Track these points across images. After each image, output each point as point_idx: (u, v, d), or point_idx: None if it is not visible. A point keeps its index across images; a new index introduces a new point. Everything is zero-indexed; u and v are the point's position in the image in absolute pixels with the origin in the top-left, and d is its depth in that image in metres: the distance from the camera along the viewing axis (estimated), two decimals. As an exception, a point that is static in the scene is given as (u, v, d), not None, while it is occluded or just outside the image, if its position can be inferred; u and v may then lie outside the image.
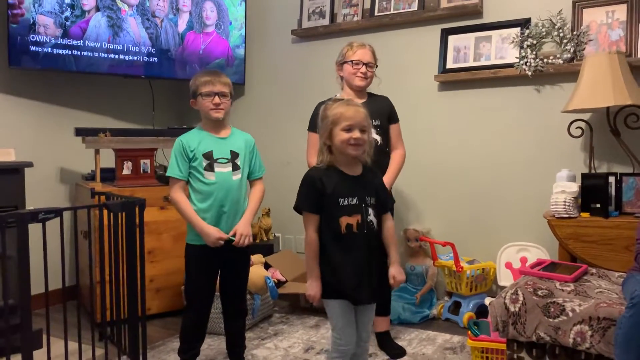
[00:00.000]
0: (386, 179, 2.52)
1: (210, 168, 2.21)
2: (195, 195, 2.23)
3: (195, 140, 2.23)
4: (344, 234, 1.82)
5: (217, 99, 2.20)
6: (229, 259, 2.27)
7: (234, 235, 2.21)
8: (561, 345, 1.97)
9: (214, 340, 2.74)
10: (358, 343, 1.91)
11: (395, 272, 1.90)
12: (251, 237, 2.26)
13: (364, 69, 2.52)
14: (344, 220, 1.81)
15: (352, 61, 2.53)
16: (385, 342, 2.59)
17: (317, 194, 1.83)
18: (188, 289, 2.30)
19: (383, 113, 2.58)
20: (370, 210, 1.86)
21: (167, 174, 2.26)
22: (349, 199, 1.83)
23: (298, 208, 1.88)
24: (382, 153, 2.54)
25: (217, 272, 2.30)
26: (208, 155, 2.22)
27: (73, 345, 2.21)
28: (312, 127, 2.59)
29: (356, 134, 1.80)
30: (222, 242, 2.18)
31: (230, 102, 2.28)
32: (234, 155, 2.26)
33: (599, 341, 1.86)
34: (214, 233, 2.16)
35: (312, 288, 1.85)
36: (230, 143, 2.28)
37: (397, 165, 2.61)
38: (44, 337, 2.12)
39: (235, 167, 2.26)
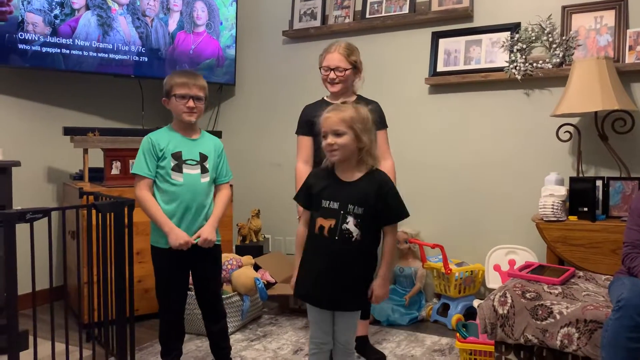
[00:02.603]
0: None
1: (178, 169, 2.16)
2: (161, 196, 2.17)
3: (165, 139, 2.19)
4: (315, 234, 1.84)
5: (191, 103, 2.16)
6: (198, 263, 2.22)
7: (198, 238, 2.17)
8: (548, 348, 1.99)
9: (202, 342, 2.73)
10: (335, 343, 1.92)
11: (376, 286, 1.83)
12: (214, 242, 2.21)
13: (332, 74, 2.46)
14: (319, 222, 1.83)
15: (321, 68, 2.51)
16: (364, 347, 2.54)
17: (306, 190, 1.91)
18: (159, 291, 2.24)
19: None
20: (350, 219, 1.79)
21: (132, 171, 2.19)
22: (330, 202, 1.82)
23: (294, 198, 1.98)
24: None
25: (188, 272, 2.26)
26: (177, 156, 2.17)
27: (60, 347, 2.19)
28: (299, 130, 2.58)
29: (328, 139, 1.80)
30: (188, 246, 2.12)
31: (204, 106, 2.24)
32: (203, 157, 2.23)
33: (586, 344, 1.88)
34: (183, 236, 2.11)
35: (293, 279, 1.93)
36: (200, 145, 2.24)
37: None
38: (31, 338, 2.10)
39: (204, 170, 2.22)
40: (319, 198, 1.84)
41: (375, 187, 1.82)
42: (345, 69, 2.47)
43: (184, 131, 2.24)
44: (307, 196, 1.90)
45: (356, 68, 2.52)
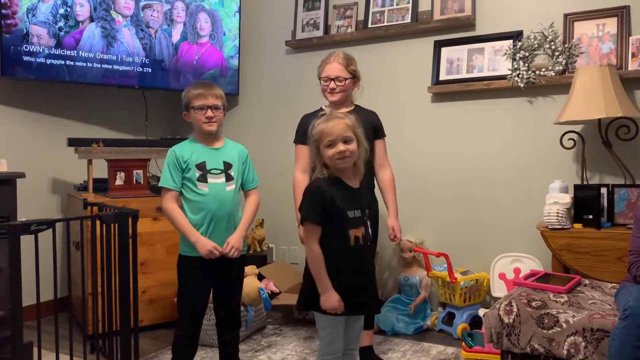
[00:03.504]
0: (392, 208, 2.51)
1: (203, 179, 2.19)
2: (188, 207, 2.20)
3: (188, 150, 2.22)
4: (352, 247, 1.82)
5: (209, 112, 2.19)
6: (222, 271, 2.24)
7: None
8: (555, 357, 1.97)
9: (207, 353, 2.72)
10: (345, 351, 1.92)
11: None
12: (242, 251, 2.25)
13: (332, 84, 2.48)
14: (353, 233, 1.82)
15: (320, 78, 2.53)
16: (368, 356, 2.53)
17: (323, 205, 1.79)
18: (181, 301, 2.26)
19: (365, 127, 2.47)
20: (369, 223, 1.90)
21: (160, 184, 2.22)
22: (354, 211, 1.84)
23: (305, 219, 1.81)
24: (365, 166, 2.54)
25: (211, 284, 2.27)
26: (201, 166, 2.20)
27: (64, 358, 2.18)
28: (298, 139, 2.58)
29: (339, 147, 1.80)
30: (217, 254, 2.15)
31: (224, 114, 2.27)
32: (227, 166, 2.25)
33: (593, 352, 1.87)
34: (209, 243, 2.14)
35: (331, 300, 1.78)
36: (224, 154, 2.27)
37: (393, 190, 2.54)
38: (35, 349, 2.10)
39: (229, 178, 2.24)
40: (345, 209, 1.82)
41: (370, 190, 1.99)
42: (345, 78, 2.49)
43: (206, 141, 2.26)
44: (324, 212, 1.80)
45: (355, 77, 2.54)
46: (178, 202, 2.22)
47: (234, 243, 2.19)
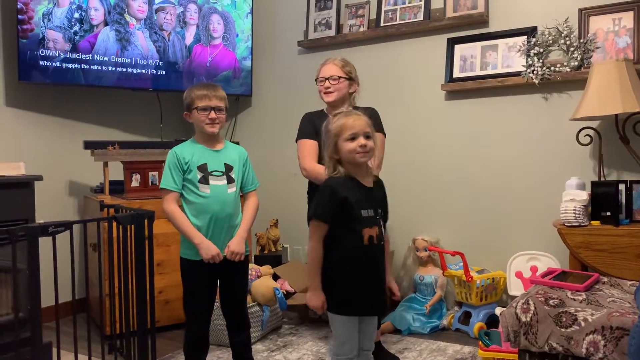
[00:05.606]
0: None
1: (204, 181, 2.17)
2: (189, 209, 2.18)
3: (189, 151, 2.20)
4: (366, 246, 1.81)
5: (213, 114, 2.18)
6: (226, 272, 2.23)
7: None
8: (574, 356, 1.95)
9: (222, 353, 2.73)
10: (360, 352, 1.91)
11: (394, 284, 1.98)
12: (243, 255, 2.22)
13: (327, 83, 2.51)
14: (367, 232, 1.80)
15: (317, 80, 2.56)
16: (378, 351, 2.53)
17: (336, 204, 1.80)
18: (187, 303, 2.25)
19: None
20: (382, 222, 1.88)
21: (160, 185, 2.20)
22: (368, 210, 1.83)
23: (313, 216, 1.83)
24: None
25: (216, 284, 2.26)
26: (203, 168, 2.18)
27: (83, 358, 2.21)
28: (303, 135, 2.60)
29: (361, 140, 1.80)
30: (218, 260, 2.14)
31: (226, 116, 2.26)
32: (228, 168, 2.24)
33: (612, 351, 1.84)
34: (213, 248, 2.12)
35: (315, 299, 1.82)
36: (224, 156, 2.26)
37: None
38: (54, 350, 2.13)
39: (230, 180, 2.23)
40: (359, 209, 1.81)
41: (383, 189, 1.96)
42: (340, 77, 2.52)
43: (207, 143, 2.25)
44: (336, 211, 1.80)
45: (351, 79, 2.57)
46: (178, 203, 2.20)
47: (234, 248, 2.18)
